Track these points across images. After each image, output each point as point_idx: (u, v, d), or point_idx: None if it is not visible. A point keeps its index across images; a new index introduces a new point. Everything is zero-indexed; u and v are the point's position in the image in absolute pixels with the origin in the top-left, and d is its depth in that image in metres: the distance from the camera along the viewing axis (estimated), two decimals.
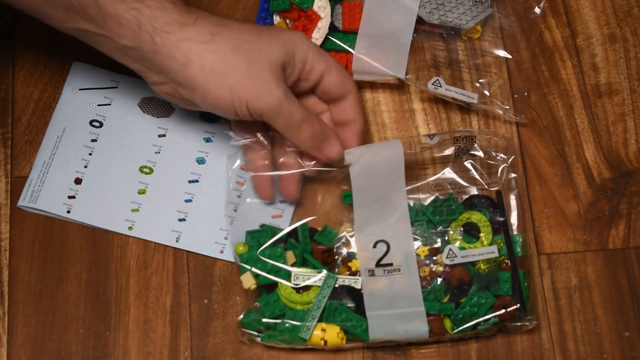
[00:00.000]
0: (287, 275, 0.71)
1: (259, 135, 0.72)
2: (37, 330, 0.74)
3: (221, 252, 0.75)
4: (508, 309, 0.70)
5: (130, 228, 0.76)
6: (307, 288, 0.71)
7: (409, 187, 0.73)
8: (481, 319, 0.70)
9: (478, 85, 0.81)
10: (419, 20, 0.80)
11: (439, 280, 0.71)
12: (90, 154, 0.78)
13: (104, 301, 0.75)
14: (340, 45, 0.79)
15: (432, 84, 0.79)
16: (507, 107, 0.80)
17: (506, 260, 0.72)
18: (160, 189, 0.77)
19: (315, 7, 0.79)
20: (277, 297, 0.71)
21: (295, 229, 0.73)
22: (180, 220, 0.76)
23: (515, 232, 0.73)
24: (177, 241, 0.76)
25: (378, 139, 0.80)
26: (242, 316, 0.71)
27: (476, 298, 0.70)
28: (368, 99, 0.81)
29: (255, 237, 0.72)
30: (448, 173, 0.75)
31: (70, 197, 0.77)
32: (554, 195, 0.78)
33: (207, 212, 0.77)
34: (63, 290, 0.75)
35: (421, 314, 0.70)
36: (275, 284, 0.71)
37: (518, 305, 0.70)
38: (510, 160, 0.74)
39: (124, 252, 0.76)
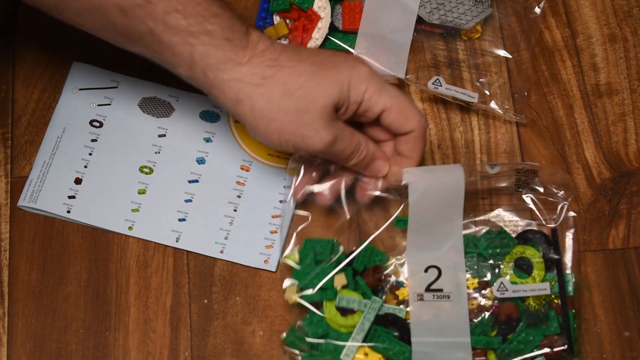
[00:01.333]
0: (334, 295, 0.70)
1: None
2: (37, 330, 0.74)
3: (221, 252, 0.75)
4: (555, 349, 0.68)
5: (130, 228, 0.76)
6: (352, 311, 0.70)
7: (464, 216, 0.71)
8: (527, 356, 0.68)
9: (478, 84, 0.81)
10: (419, 20, 0.80)
11: (487, 314, 0.70)
12: (90, 154, 0.78)
13: (104, 301, 0.75)
14: (340, 45, 0.79)
15: (432, 84, 0.79)
16: (507, 107, 0.80)
17: (556, 300, 0.70)
18: (160, 189, 0.77)
19: (315, 7, 0.79)
20: (321, 317, 0.70)
21: (350, 252, 0.72)
22: (180, 220, 0.76)
23: (568, 272, 0.72)
24: (177, 241, 0.76)
25: None
26: (285, 334, 0.71)
27: (524, 334, 0.68)
28: None
29: (311, 247, 0.72)
30: (506, 205, 0.74)
31: (70, 197, 0.77)
32: None
33: (207, 212, 0.77)
34: (63, 290, 0.75)
35: (466, 346, 0.68)
36: (321, 302, 0.70)
37: (566, 346, 0.69)
38: (570, 199, 0.72)
39: (124, 252, 0.76)
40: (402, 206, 0.73)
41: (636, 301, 0.75)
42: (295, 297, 0.70)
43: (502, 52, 0.82)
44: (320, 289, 0.70)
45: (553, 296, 0.70)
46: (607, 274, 0.76)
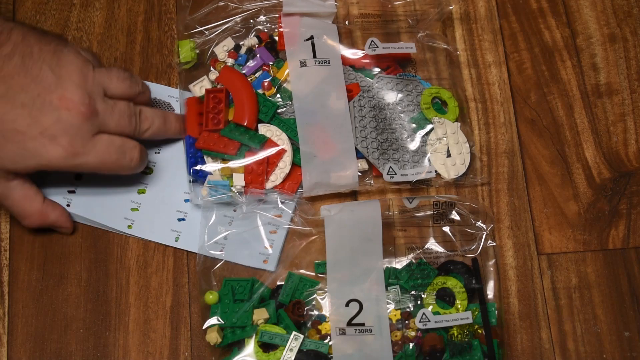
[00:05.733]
0: (254, 332, 0.70)
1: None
2: (37, 330, 0.74)
3: (221, 251, 0.75)
4: None
5: (129, 227, 0.76)
6: (274, 347, 0.70)
7: (384, 249, 0.72)
8: None
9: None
10: None
11: (411, 345, 0.70)
12: None
13: (104, 301, 0.75)
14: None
15: None
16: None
17: (480, 330, 0.71)
18: (160, 188, 0.77)
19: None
20: (244, 356, 0.70)
21: (277, 286, 0.72)
22: (179, 220, 0.76)
23: (491, 301, 0.72)
24: (176, 241, 0.76)
25: None
26: None
27: None
28: None
29: (230, 286, 0.72)
30: (427, 237, 0.74)
31: (70, 194, 0.76)
32: (554, 195, 0.78)
33: None
34: (63, 290, 0.75)
35: None
36: (243, 340, 0.70)
37: None
38: (489, 229, 0.74)
39: (124, 252, 0.76)
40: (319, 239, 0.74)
41: (636, 301, 0.75)
42: (216, 338, 0.70)
43: (501, 52, 0.82)
44: (240, 327, 0.70)
45: (477, 326, 0.71)
46: (607, 274, 0.76)
